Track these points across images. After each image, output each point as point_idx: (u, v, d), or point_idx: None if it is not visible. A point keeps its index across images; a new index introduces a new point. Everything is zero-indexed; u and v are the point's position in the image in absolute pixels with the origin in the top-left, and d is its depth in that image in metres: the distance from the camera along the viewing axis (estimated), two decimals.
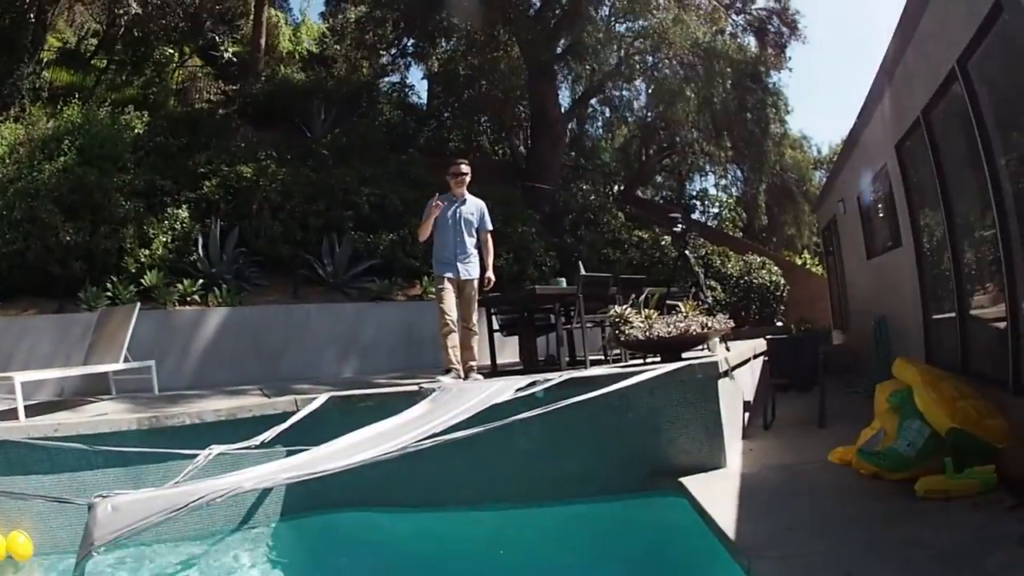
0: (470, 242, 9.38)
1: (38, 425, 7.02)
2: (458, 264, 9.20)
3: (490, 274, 9.57)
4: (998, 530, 4.56)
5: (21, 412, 7.50)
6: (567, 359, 10.15)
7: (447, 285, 9.09)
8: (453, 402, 7.07)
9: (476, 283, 9.38)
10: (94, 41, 23.82)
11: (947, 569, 4.10)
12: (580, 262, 13.58)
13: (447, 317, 8.99)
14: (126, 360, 9.46)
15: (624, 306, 9.03)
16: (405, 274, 15.79)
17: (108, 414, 7.69)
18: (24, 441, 6.72)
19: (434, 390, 7.72)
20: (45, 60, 19.47)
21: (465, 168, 9.52)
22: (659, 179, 36.89)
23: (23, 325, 11.50)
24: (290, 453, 6.88)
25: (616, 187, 30.64)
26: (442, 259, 9.24)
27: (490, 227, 9.69)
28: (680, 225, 11.14)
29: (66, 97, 16.80)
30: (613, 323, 8.89)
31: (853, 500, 5.67)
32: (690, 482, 6.65)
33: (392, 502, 7.61)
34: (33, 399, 9.29)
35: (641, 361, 9.16)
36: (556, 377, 7.38)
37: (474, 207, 9.55)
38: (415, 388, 7.96)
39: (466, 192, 9.54)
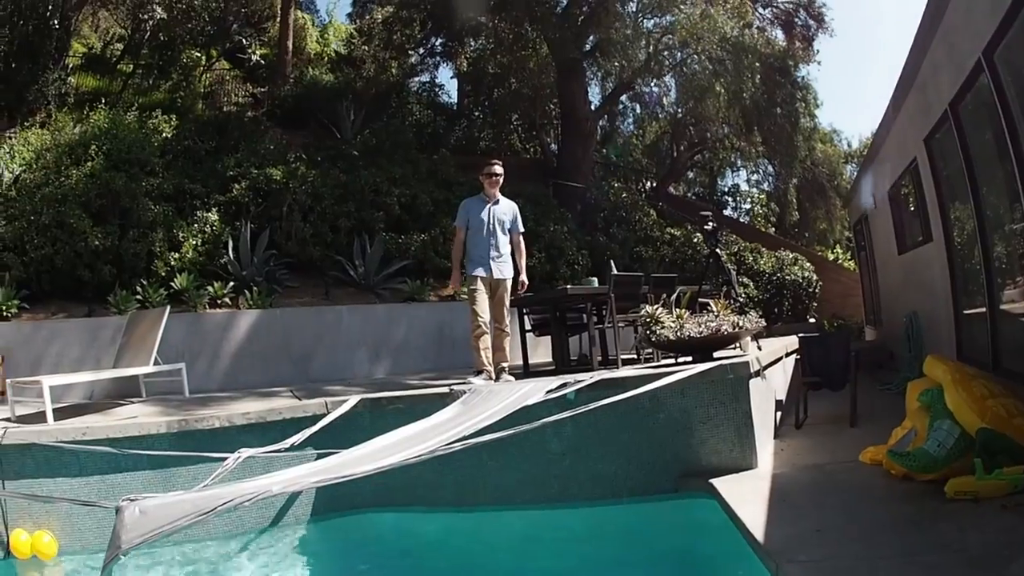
0: (504, 242, 9.34)
1: (67, 428, 7.02)
2: (491, 263, 9.13)
3: (523, 277, 9.54)
4: None
5: (50, 415, 7.53)
6: (599, 359, 10.04)
7: (480, 286, 9.04)
8: (483, 404, 7.00)
9: (509, 284, 9.33)
10: (120, 46, 23.89)
11: (974, 573, 4.03)
12: (612, 261, 13.51)
13: (480, 319, 8.94)
14: (156, 363, 9.45)
15: (655, 306, 8.93)
16: (437, 274, 15.69)
17: (137, 417, 7.70)
18: (53, 445, 6.72)
19: (464, 392, 7.66)
20: (71, 66, 19.55)
21: (499, 168, 9.46)
22: (691, 175, 36.68)
23: (53, 329, 11.52)
24: (320, 456, 6.86)
25: (648, 184, 30.52)
26: (475, 258, 9.18)
27: (522, 229, 9.66)
28: (711, 223, 11.03)
29: (93, 102, 16.86)
30: (644, 323, 8.81)
31: (883, 502, 5.58)
32: (720, 483, 6.59)
33: (422, 502, 7.60)
34: (63, 402, 9.31)
35: (673, 361, 9.06)
36: (587, 378, 7.32)
37: (507, 208, 9.51)
38: (446, 390, 7.90)
39: (499, 193, 9.48)
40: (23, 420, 7.80)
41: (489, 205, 9.34)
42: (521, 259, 9.57)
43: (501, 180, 9.44)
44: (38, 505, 6.57)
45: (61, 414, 7.99)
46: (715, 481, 6.66)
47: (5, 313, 11.51)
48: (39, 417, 7.66)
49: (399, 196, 16.67)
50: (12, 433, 6.77)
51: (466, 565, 6.64)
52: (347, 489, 6.47)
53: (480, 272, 9.08)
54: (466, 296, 9.48)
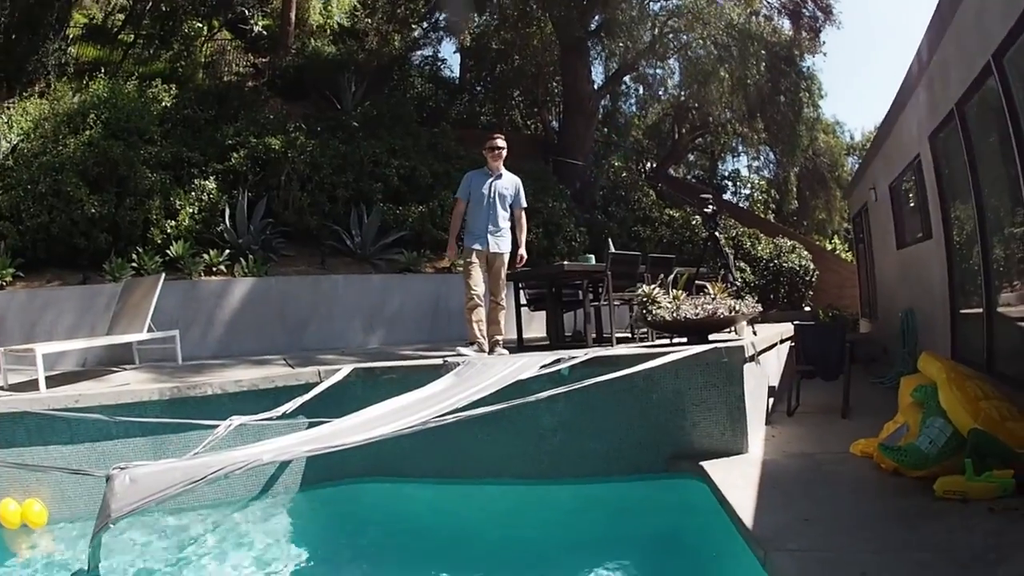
0: (503, 216, 9.34)
1: (59, 396, 6.99)
2: (489, 236, 9.16)
3: (523, 251, 9.57)
4: (1013, 537, 4.46)
5: (42, 383, 7.48)
6: (594, 336, 10.05)
7: (475, 259, 9.07)
8: (477, 377, 7.01)
9: (506, 258, 9.34)
10: (121, 16, 23.65)
11: (961, 574, 4.02)
12: (610, 239, 13.48)
13: (473, 291, 8.97)
14: (150, 330, 9.43)
15: (652, 286, 8.93)
16: (434, 246, 15.66)
17: (130, 384, 7.70)
18: (44, 412, 6.69)
19: (458, 364, 7.66)
20: (71, 36, 19.40)
21: (501, 143, 9.47)
22: (691, 158, 36.64)
23: (47, 296, 11.47)
24: (312, 424, 6.88)
25: (648, 164, 30.47)
26: (473, 231, 9.21)
27: (524, 204, 9.66)
28: (711, 206, 11.02)
29: (92, 72, 16.80)
30: (640, 302, 8.81)
31: (872, 495, 5.60)
32: (711, 467, 6.60)
33: (412, 473, 7.63)
34: (56, 369, 9.29)
35: (668, 341, 9.06)
36: (581, 355, 7.34)
37: (509, 182, 9.52)
38: (439, 361, 7.93)
39: (502, 167, 9.46)
40: (15, 388, 7.76)
41: (491, 179, 9.36)
42: (521, 234, 9.58)
43: (504, 154, 9.45)
44: (29, 474, 6.55)
45: (54, 381, 7.97)
46: (705, 464, 6.67)
47: (0, 281, 11.48)
48: (31, 385, 7.63)
49: (398, 168, 16.61)
50: (4, 401, 6.75)
51: (455, 536, 6.64)
52: (338, 458, 6.40)
53: (477, 245, 9.10)
54: (461, 268, 9.46)
